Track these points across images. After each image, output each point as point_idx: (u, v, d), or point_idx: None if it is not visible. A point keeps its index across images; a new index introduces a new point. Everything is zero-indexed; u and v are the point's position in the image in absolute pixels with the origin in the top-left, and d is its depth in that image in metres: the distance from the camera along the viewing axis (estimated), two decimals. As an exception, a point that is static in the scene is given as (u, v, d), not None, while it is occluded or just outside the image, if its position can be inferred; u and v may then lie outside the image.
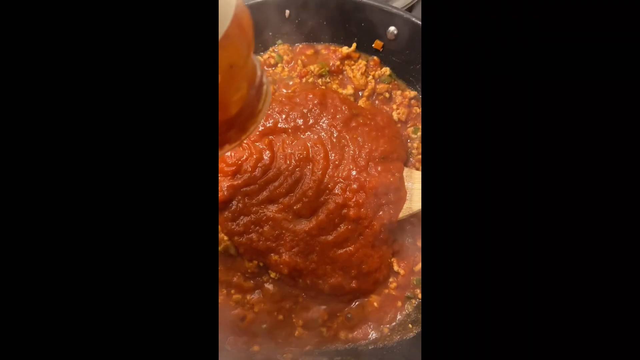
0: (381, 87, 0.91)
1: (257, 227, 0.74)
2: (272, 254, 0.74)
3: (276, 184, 0.75)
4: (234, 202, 0.75)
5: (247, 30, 0.39)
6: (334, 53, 0.94)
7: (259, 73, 0.45)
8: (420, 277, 0.81)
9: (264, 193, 0.75)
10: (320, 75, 0.92)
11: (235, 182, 0.76)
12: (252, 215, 0.74)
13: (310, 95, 0.83)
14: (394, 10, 0.87)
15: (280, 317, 0.78)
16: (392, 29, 0.89)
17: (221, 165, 0.78)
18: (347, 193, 0.75)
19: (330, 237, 0.74)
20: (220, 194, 0.75)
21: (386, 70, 0.93)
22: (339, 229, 0.75)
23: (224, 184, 0.76)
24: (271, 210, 0.74)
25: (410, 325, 0.79)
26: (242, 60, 0.40)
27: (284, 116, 0.81)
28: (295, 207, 0.74)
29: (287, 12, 0.91)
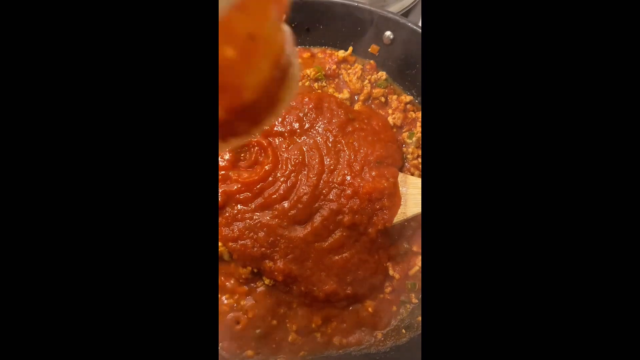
0: (377, 91, 0.91)
1: (252, 234, 0.73)
2: (266, 261, 0.74)
3: (271, 190, 0.75)
4: (228, 209, 0.75)
5: None
6: (330, 57, 0.94)
7: (288, 50, 0.33)
8: (415, 282, 0.81)
9: (259, 199, 0.74)
10: (317, 79, 0.91)
11: (229, 189, 0.75)
12: (247, 222, 0.74)
13: (306, 99, 0.82)
14: (390, 15, 0.87)
15: (274, 322, 0.77)
16: (388, 33, 0.89)
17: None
18: (342, 199, 0.74)
19: (325, 244, 0.74)
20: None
21: (382, 74, 0.93)
22: (334, 235, 0.74)
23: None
24: (266, 216, 0.74)
25: (403, 331, 0.80)
26: (269, 31, 0.30)
27: (279, 119, 0.80)
28: (290, 214, 0.73)
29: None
